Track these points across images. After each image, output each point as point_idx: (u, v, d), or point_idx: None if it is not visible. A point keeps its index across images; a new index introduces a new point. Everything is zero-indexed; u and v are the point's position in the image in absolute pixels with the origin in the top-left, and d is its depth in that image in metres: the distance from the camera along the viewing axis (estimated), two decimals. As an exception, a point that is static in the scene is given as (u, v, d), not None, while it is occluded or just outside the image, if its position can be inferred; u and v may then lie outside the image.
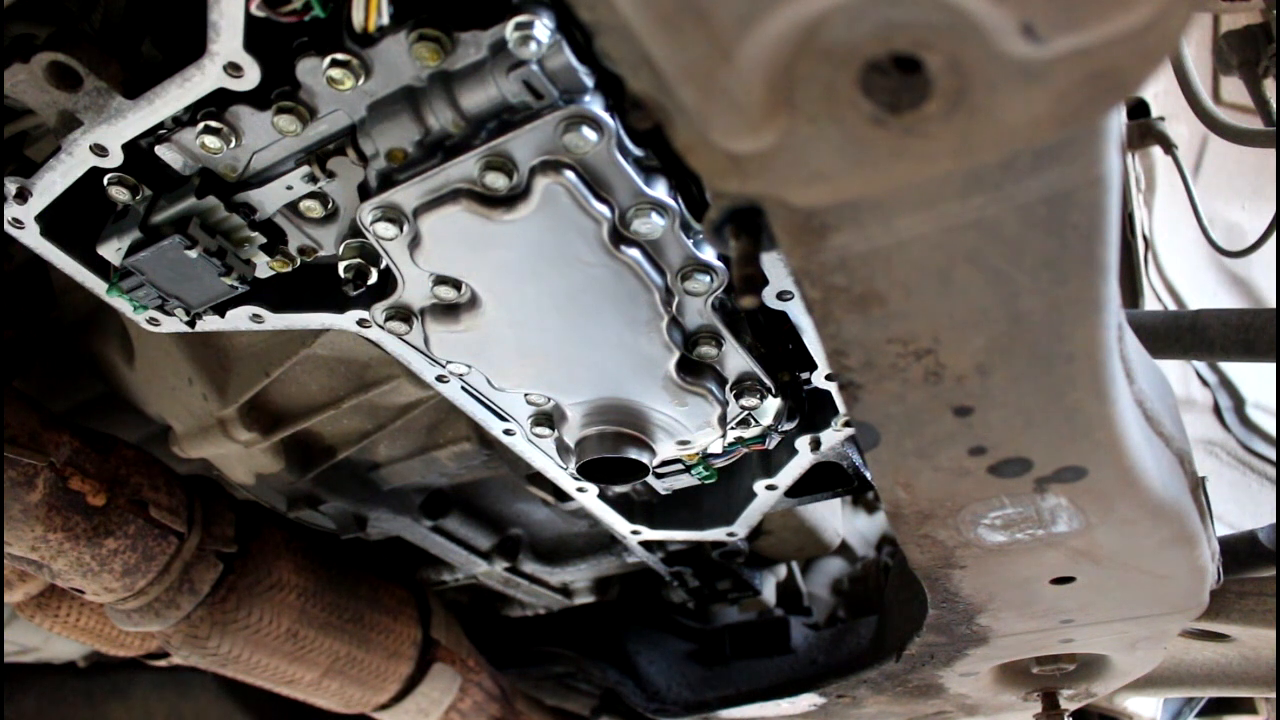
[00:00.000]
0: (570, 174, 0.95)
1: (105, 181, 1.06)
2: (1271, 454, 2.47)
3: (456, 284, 1.11)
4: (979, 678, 1.70)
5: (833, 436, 1.39)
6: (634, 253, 1.04)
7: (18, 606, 1.86)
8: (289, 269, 1.18)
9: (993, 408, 0.86)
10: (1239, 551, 1.58)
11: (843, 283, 0.74)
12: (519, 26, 0.85)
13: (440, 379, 1.31)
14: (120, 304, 1.19)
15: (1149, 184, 2.13)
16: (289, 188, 1.06)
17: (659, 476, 1.48)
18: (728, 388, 1.25)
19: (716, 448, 1.39)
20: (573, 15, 0.86)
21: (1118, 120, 0.65)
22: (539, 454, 1.44)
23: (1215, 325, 1.55)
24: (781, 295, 1.14)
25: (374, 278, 1.15)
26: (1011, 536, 1.09)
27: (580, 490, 1.57)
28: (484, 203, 0.98)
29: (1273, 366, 2.10)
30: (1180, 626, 1.40)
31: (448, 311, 1.16)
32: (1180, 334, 1.57)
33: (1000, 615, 1.35)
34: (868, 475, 1.48)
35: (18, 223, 1.11)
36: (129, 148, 1.02)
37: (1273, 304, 2.42)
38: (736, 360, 1.22)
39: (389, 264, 1.09)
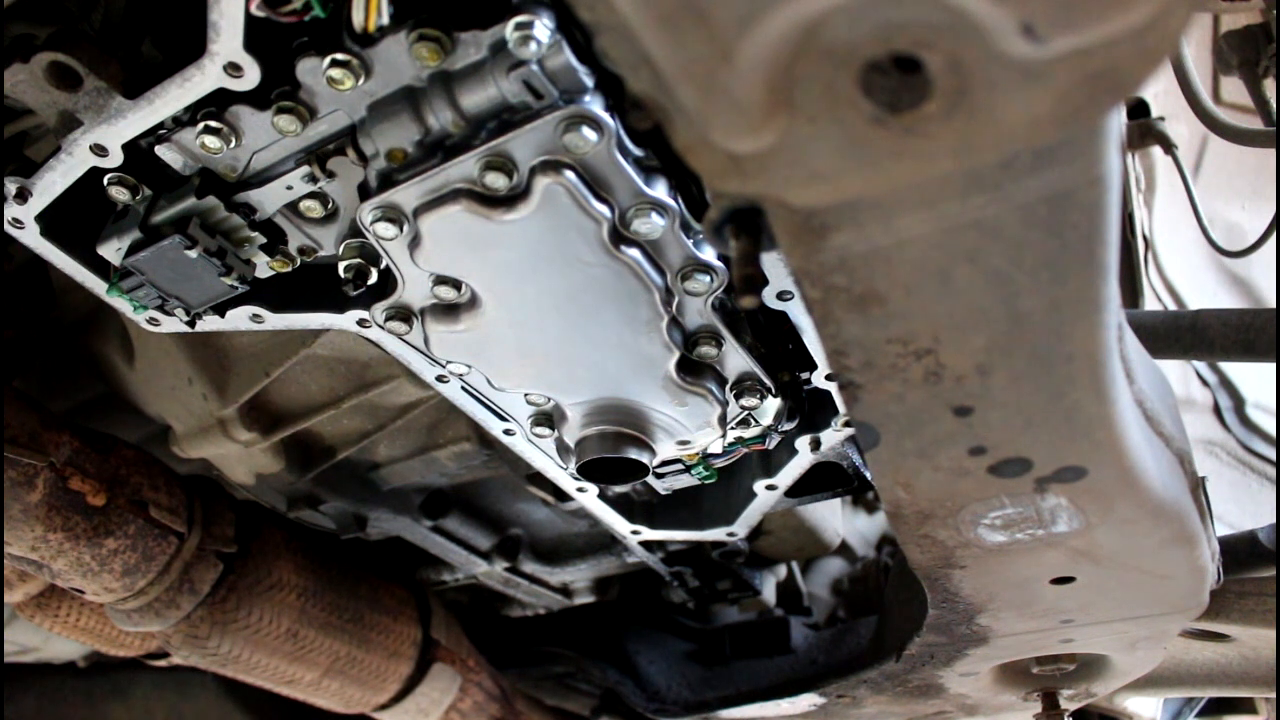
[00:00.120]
0: (570, 174, 0.95)
1: (105, 181, 1.06)
2: (1271, 454, 2.47)
3: (456, 284, 1.11)
4: (979, 678, 1.70)
5: (833, 436, 1.39)
6: (634, 253, 1.04)
7: (18, 606, 1.86)
8: (289, 269, 1.18)
9: (993, 408, 0.86)
10: (1239, 551, 1.58)
11: (843, 283, 0.74)
12: (519, 26, 0.85)
13: (440, 379, 1.31)
14: (120, 304, 1.19)
15: (1149, 184, 2.13)
16: (289, 188, 1.06)
17: (659, 476, 1.48)
18: (728, 388, 1.25)
19: (716, 448, 1.39)
20: (573, 15, 0.86)
21: (1118, 120, 0.65)
22: (539, 454, 1.44)
23: (1215, 325, 1.55)
24: (781, 295, 1.14)
25: (374, 278, 1.15)
26: (1011, 536, 1.09)
27: (580, 490, 1.57)
28: (484, 203, 0.98)
29: (1273, 366, 2.10)
30: (1180, 626, 1.40)
31: (448, 311, 1.16)
32: (1180, 334, 1.57)
33: (1000, 615, 1.35)
34: (868, 475, 1.48)
35: (18, 223, 1.11)
36: (129, 148, 1.02)
37: (1273, 304, 2.42)
38: (736, 360, 1.22)
39: (389, 264, 1.09)
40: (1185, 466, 1.13)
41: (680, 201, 1.02)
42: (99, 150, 1.02)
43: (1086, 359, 0.81)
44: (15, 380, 1.71)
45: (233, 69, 0.91)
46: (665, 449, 1.33)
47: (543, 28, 0.85)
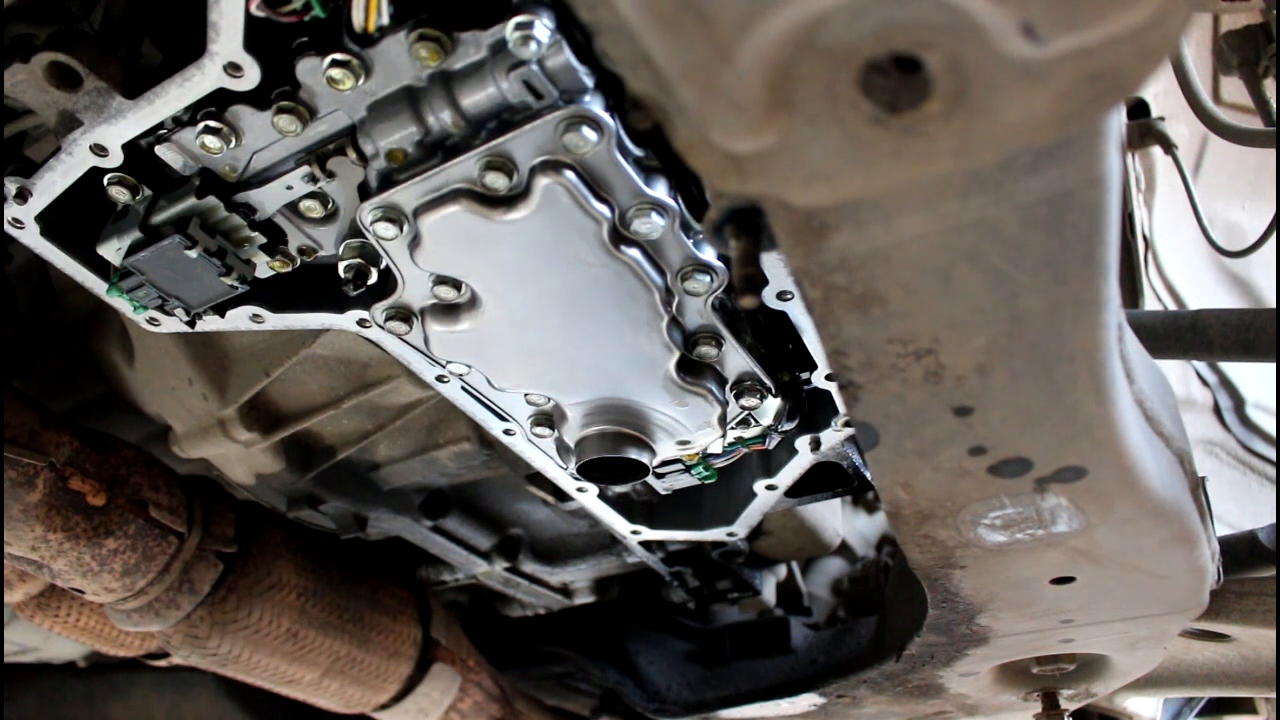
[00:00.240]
0: (570, 174, 0.95)
1: (105, 181, 1.06)
2: (1271, 454, 2.47)
3: (456, 284, 1.11)
4: (979, 678, 1.70)
5: (833, 436, 1.39)
6: (634, 253, 1.04)
7: (18, 606, 1.86)
8: (289, 269, 1.18)
9: (993, 408, 0.86)
10: (1239, 551, 1.58)
11: (843, 283, 0.74)
12: (519, 26, 0.85)
13: (440, 379, 1.31)
14: (120, 304, 1.19)
15: (1149, 184, 2.13)
16: (289, 188, 1.06)
17: (659, 476, 1.48)
18: (728, 388, 1.25)
19: (716, 448, 1.39)
20: (573, 15, 0.86)
21: (1118, 120, 0.65)
22: (539, 454, 1.44)
23: (1215, 325, 1.55)
24: (781, 295, 1.14)
25: (374, 278, 1.15)
26: (1011, 536, 1.09)
27: (580, 490, 1.57)
28: (484, 203, 0.98)
29: (1273, 366, 2.10)
30: (1180, 626, 1.40)
31: (448, 311, 1.16)
32: (1180, 334, 1.57)
33: (1000, 615, 1.35)
34: (868, 475, 1.48)
35: (18, 223, 1.11)
36: (129, 148, 1.02)
37: (1273, 304, 2.42)
38: (736, 360, 1.22)
39: (389, 264, 1.09)
40: (1185, 466, 1.13)
41: (680, 201, 1.02)
42: (99, 150, 1.02)
43: (1086, 359, 0.81)
44: (15, 380, 1.71)
45: (233, 69, 0.91)
46: (665, 449, 1.33)
47: (543, 28, 0.85)
